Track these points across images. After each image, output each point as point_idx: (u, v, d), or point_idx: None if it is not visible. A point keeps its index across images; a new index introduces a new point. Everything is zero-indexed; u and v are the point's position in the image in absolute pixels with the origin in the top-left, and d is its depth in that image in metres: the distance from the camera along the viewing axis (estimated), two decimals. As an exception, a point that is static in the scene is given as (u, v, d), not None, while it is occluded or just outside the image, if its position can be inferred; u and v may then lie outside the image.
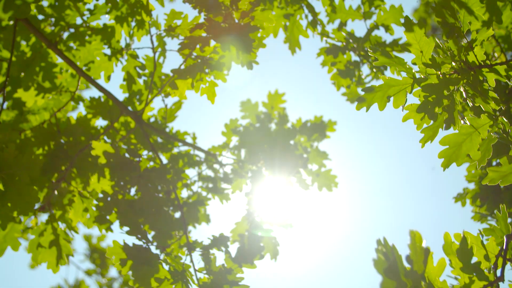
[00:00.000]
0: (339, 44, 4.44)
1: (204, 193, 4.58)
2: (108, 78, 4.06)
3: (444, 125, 2.69)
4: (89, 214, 3.86)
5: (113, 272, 10.07)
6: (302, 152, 4.63)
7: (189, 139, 4.63)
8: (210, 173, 4.66)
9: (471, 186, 4.38)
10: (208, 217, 4.68)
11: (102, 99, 4.14)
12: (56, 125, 3.95)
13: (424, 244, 1.92)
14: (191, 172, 4.84)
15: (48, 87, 4.03)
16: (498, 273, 2.19)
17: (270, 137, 4.66)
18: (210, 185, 4.58)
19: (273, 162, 4.57)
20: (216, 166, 4.67)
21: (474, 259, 2.17)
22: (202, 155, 4.62)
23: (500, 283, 2.18)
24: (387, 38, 4.37)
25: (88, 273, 9.58)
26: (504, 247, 2.15)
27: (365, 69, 4.45)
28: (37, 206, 3.75)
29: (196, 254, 3.61)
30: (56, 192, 3.79)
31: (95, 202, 3.85)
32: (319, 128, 4.95)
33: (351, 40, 4.39)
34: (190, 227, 4.48)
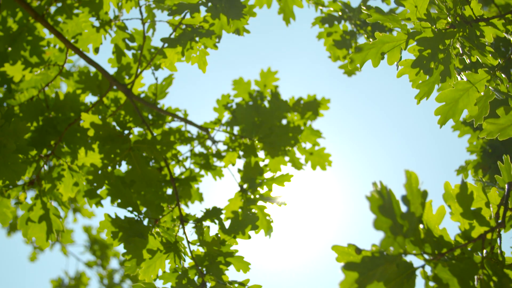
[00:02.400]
0: (335, 14, 4.35)
1: (196, 170, 4.49)
2: (96, 50, 3.97)
3: (440, 79, 2.60)
4: (79, 189, 3.77)
5: (114, 263, 10.01)
6: (295, 130, 4.53)
7: (180, 116, 4.54)
8: (202, 150, 4.57)
9: (473, 158, 4.30)
10: (201, 195, 4.59)
11: (91, 74, 4.05)
12: (45, 100, 3.87)
13: (421, 187, 1.83)
14: (183, 149, 4.76)
15: (36, 62, 3.94)
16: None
17: (262, 113, 4.57)
18: (202, 162, 4.49)
19: (266, 139, 4.48)
20: (208, 143, 4.59)
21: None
22: (194, 131, 4.53)
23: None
24: (384, 8, 4.28)
25: (89, 264, 9.53)
26: (505, 194, 2.06)
27: (361, 40, 4.34)
28: (23, 181, 3.67)
29: (189, 227, 3.53)
30: (45, 167, 3.71)
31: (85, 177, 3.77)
32: (312, 105, 4.85)
33: (347, 10, 4.29)
34: (182, 206, 4.40)
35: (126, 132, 3.80)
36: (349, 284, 1.78)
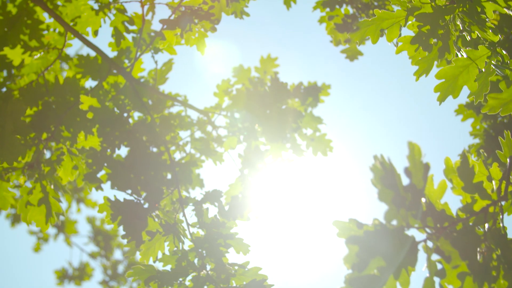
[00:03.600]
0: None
1: (197, 155, 4.46)
2: (95, 33, 3.94)
3: (439, 56, 2.57)
4: (78, 172, 3.75)
5: (117, 254, 10.01)
6: (294, 113, 4.50)
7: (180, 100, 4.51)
8: (203, 136, 4.54)
9: (476, 141, 4.27)
10: (202, 181, 4.57)
11: (91, 58, 4.02)
12: (45, 85, 3.84)
13: (423, 159, 1.80)
14: (183, 134, 4.73)
15: (35, 46, 3.92)
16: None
17: (262, 98, 4.54)
18: (203, 147, 4.46)
19: (267, 123, 4.45)
20: (208, 128, 4.56)
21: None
22: (194, 117, 4.50)
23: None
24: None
25: (93, 255, 9.52)
26: (507, 168, 2.03)
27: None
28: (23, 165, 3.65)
29: (189, 210, 3.51)
30: (45, 151, 3.69)
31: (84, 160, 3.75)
32: (312, 91, 4.81)
33: (348, -7, 4.26)
34: (185, 193, 4.38)
35: (125, 115, 3.77)
36: (353, 258, 1.75)
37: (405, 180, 1.76)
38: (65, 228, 9.33)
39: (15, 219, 8.91)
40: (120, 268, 9.63)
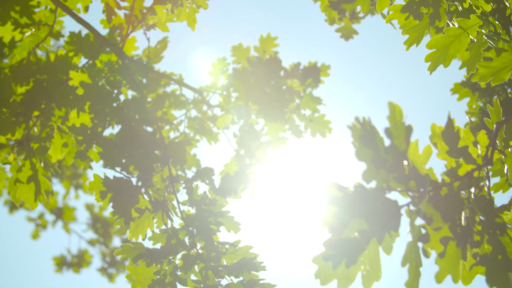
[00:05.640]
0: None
1: (192, 134, 4.42)
2: (86, 9, 3.89)
3: (429, 23, 2.52)
4: (69, 150, 3.71)
5: (116, 241, 9.99)
6: (291, 91, 4.45)
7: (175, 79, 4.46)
8: (198, 115, 4.50)
9: (473, 120, 4.22)
10: (198, 162, 4.53)
11: (83, 35, 3.98)
12: (36, 63, 3.80)
13: (405, 121, 1.74)
14: (178, 113, 4.68)
15: (26, 23, 3.87)
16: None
17: (260, 77, 4.48)
18: (197, 126, 4.42)
19: (265, 102, 4.40)
20: (204, 108, 4.51)
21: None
22: (189, 96, 4.46)
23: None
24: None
25: (91, 242, 9.51)
26: (494, 133, 1.98)
27: (358, 2, 4.23)
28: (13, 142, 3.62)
29: (180, 188, 3.48)
30: (35, 129, 3.65)
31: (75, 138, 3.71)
32: (312, 71, 4.75)
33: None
34: (179, 173, 4.33)
35: (116, 91, 3.72)
36: (331, 219, 1.71)
37: (386, 141, 1.71)
38: (64, 215, 9.31)
39: (13, 206, 8.90)
40: (119, 256, 9.61)
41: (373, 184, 1.69)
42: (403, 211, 1.79)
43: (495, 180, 3.67)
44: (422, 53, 2.75)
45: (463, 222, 1.77)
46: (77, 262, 9.26)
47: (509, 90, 3.99)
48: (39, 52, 4.20)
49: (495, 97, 4.12)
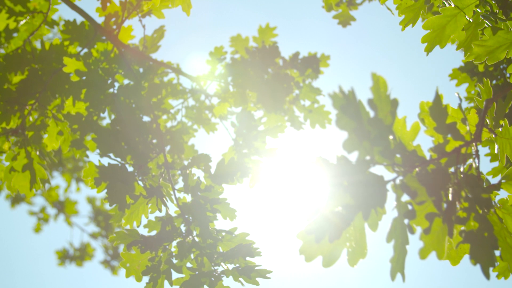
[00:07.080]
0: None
1: (189, 123, 4.40)
2: (80, -4, 3.88)
3: (425, 1, 2.50)
4: (64, 138, 3.70)
5: (119, 235, 9.98)
6: (287, 78, 4.42)
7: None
8: (195, 104, 4.48)
9: (471, 105, 4.19)
10: (196, 152, 4.51)
11: (78, 23, 3.96)
12: (31, 53, 3.79)
13: (390, 94, 1.71)
14: (175, 103, 4.65)
15: (21, 11, 3.86)
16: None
17: (258, 67, 4.46)
18: (195, 116, 4.40)
19: (263, 91, 4.38)
20: (202, 98, 4.49)
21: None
22: (186, 85, 4.43)
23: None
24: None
25: (94, 235, 9.51)
26: (483, 110, 1.95)
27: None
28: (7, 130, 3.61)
29: (178, 180, 3.47)
30: (30, 118, 3.65)
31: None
32: (312, 62, 4.72)
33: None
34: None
35: (110, 79, 3.71)
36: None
37: (371, 114, 1.69)
38: (65, 208, 9.32)
39: (15, 200, 8.91)
40: (121, 248, 9.62)
41: (355, 154, 1.66)
42: (389, 186, 1.77)
43: (494, 164, 3.65)
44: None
45: (450, 197, 1.75)
46: (80, 255, 9.28)
47: (507, 75, 3.96)
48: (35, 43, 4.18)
49: (490, 80, 4.08)
